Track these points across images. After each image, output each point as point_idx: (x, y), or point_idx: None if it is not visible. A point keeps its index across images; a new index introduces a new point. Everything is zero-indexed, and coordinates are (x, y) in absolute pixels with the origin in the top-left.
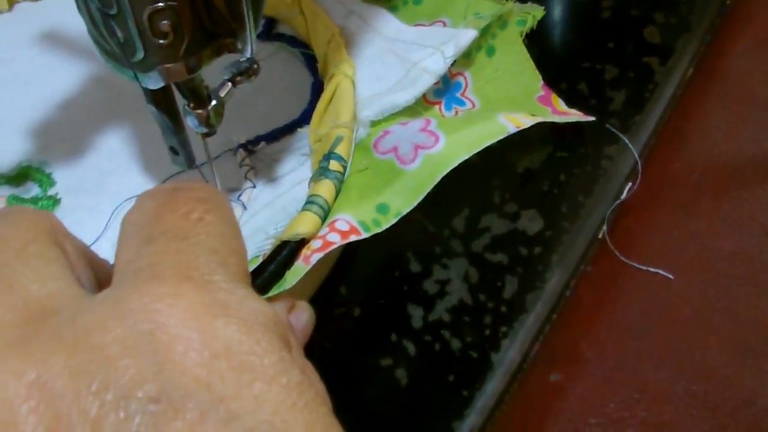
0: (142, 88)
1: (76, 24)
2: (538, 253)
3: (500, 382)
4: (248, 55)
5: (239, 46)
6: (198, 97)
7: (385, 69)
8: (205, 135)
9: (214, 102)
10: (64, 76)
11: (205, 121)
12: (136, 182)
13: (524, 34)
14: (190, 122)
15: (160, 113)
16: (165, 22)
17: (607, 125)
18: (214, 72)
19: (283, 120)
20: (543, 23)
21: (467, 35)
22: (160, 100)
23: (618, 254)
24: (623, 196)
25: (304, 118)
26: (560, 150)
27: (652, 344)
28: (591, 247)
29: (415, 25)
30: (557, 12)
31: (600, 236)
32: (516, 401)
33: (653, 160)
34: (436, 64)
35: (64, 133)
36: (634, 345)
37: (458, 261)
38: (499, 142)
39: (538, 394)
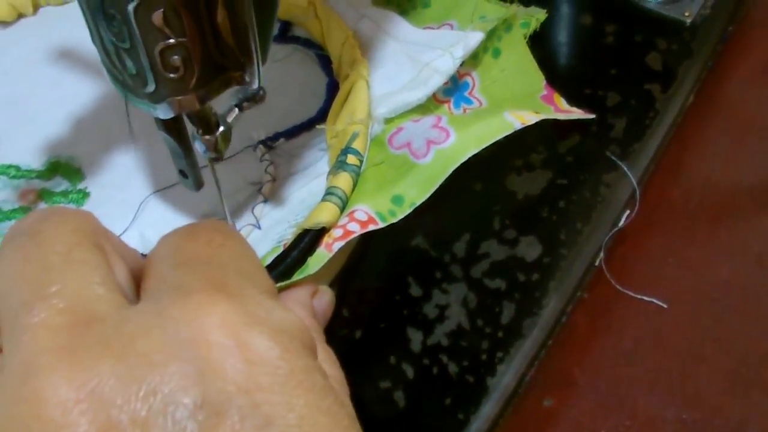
0: (154, 116)
1: None
2: (535, 279)
3: (495, 405)
4: (255, 86)
5: (247, 78)
6: (207, 124)
7: (397, 69)
8: (213, 160)
9: (222, 128)
10: (91, 74)
11: (214, 147)
12: (163, 175)
13: (527, 36)
14: (199, 148)
15: (171, 139)
16: (176, 57)
17: (607, 153)
18: (221, 97)
19: (300, 118)
20: (547, 48)
21: (475, 38)
22: (171, 127)
23: (614, 282)
24: (621, 224)
25: (321, 116)
26: (560, 177)
27: (644, 371)
28: (587, 275)
29: (423, 28)
30: (561, 37)
31: (597, 263)
32: (510, 425)
33: (651, 187)
34: (445, 65)
35: (92, 129)
36: (626, 372)
37: (457, 286)
38: (502, 166)
39: (531, 418)
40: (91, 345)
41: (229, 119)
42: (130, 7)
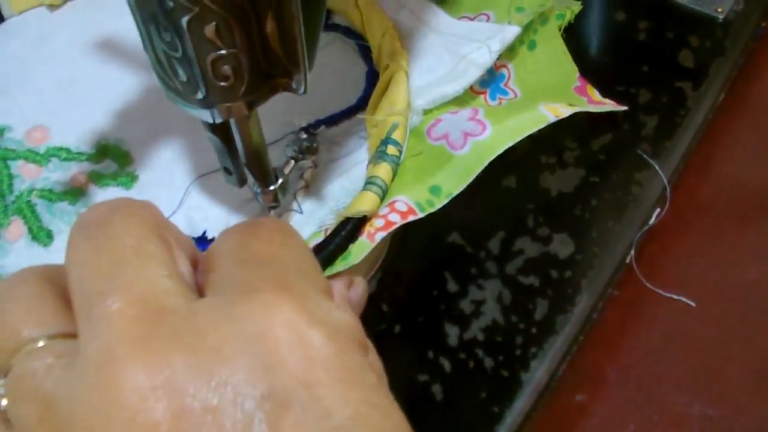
0: (202, 120)
1: None
2: (568, 276)
3: (528, 400)
4: (301, 92)
5: (294, 85)
6: (266, 178)
7: (435, 61)
8: (272, 208)
9: (280, 180)
10: (137, 59)
11: (273, 199)
12: (209, 159)
13: (562, 27)
14: (260, 200)
15: (218, 140)
16: (226, 66)
17: (638, 151)
18: (279, 150)
19: (340, 105)
20: (580, 45)
21: (511, 31)
22: (218, 130)
23: (643, 280)
24: (651, 222)
25: (361, 104)
26: (593, 174)
27: (672, 369)
28: (618, 272)
29: (459, 18)
30: (594, 33)
31: (627, 261)
32: (542, 419)
33: (681, 186)
34: (482, 58)
35: (139, 113)
36: (654, 369)
37: (493, 282)
38: (536, 163)
39: (563, 412)
40: (163, 336)
41: (286, 171)
42: (184, 20)
